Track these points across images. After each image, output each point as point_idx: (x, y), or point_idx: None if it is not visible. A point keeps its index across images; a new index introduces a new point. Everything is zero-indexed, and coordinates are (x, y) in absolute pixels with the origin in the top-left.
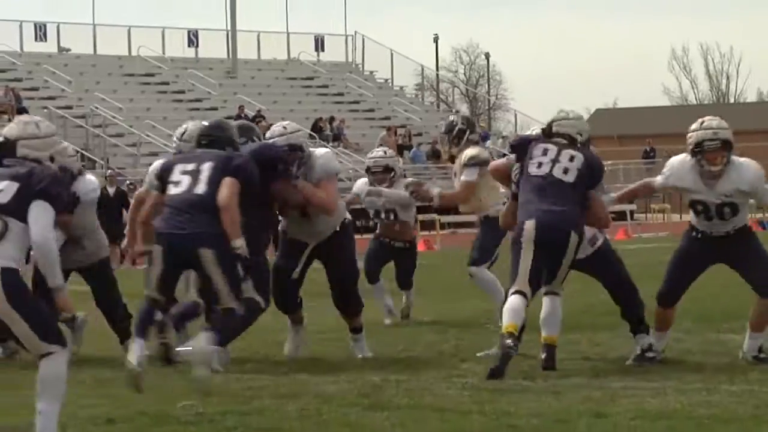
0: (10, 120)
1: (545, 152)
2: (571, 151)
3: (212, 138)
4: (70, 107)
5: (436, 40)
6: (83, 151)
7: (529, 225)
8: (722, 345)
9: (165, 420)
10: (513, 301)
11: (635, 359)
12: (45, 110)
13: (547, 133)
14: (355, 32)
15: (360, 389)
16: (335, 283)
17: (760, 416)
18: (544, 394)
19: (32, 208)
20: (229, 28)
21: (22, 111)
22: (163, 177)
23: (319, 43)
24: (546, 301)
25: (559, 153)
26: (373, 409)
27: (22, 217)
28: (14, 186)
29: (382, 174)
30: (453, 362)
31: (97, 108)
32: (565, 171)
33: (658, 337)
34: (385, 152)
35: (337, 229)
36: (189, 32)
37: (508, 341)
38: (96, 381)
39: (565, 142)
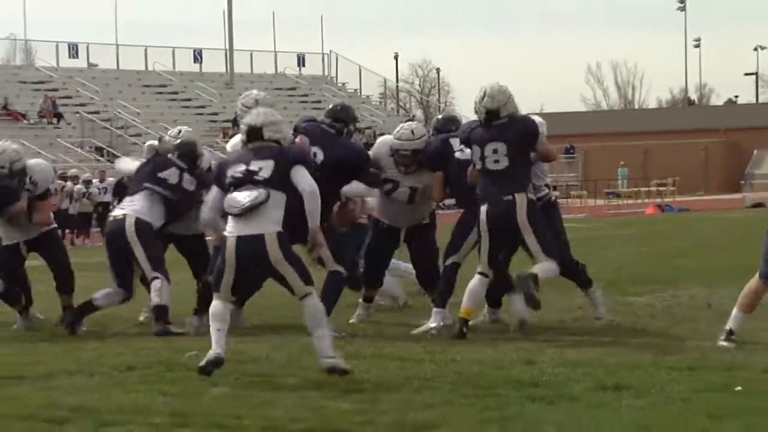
0: (50, 123)
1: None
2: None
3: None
4: (97, 112)
5: (396, 57)
6: (108, 148)
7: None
8: (628, 306)
9: (175, 367)
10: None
11: None
12: (77, 115)
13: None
14: (330, 51)
15: (335, 342)
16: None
17: (658, 363)
18: (484, 345)
19: (294, 173)
20: (227, 47)
21: (57, 115)
22: None
23: (301, 60)
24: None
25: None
26: (345, 358)
27: (280, 187)
28: (271, 163)
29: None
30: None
31: (119, 113)
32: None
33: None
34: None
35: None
36: (195, 51)
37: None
38: (120, 335)
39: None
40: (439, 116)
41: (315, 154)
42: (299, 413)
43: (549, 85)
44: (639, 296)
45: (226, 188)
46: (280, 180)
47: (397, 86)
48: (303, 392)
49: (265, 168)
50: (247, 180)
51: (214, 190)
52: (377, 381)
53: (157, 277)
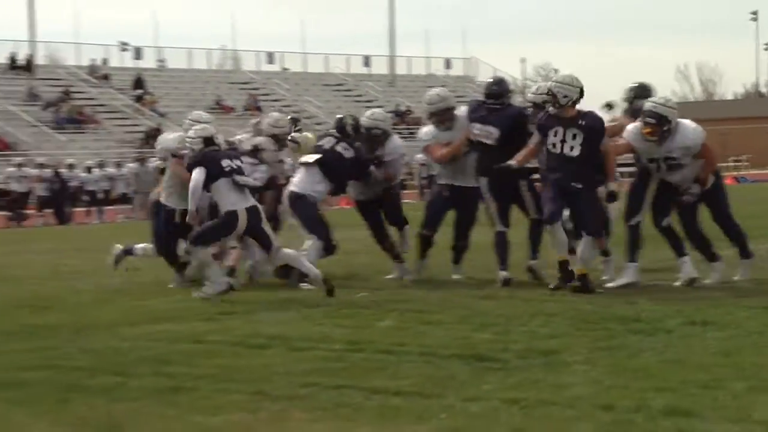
0: (251, 115)
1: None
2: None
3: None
4: (289, 106)
5: (523, 60)
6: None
7: None
8: None
9: (350, 305)
10: None
11: None
12: (272, 108)
13: None
14: (472, 56)
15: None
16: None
17: (737, 303)
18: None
19: None
20: (390, 53)
21: (258, 109)
22: None
23: (448, 64)
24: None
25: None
26: (484, 299)
27: None
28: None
29: (443, 114)
30: None
31: (306, 108)
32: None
33: None
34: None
35: None
36: (364, 57)
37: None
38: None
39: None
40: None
41: (491, 132)
42: (448, 341)
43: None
44: (721, 250)
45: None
46: None
47: (524, 84)
48: (451, 325)
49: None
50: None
51: None
52: (510, 316)
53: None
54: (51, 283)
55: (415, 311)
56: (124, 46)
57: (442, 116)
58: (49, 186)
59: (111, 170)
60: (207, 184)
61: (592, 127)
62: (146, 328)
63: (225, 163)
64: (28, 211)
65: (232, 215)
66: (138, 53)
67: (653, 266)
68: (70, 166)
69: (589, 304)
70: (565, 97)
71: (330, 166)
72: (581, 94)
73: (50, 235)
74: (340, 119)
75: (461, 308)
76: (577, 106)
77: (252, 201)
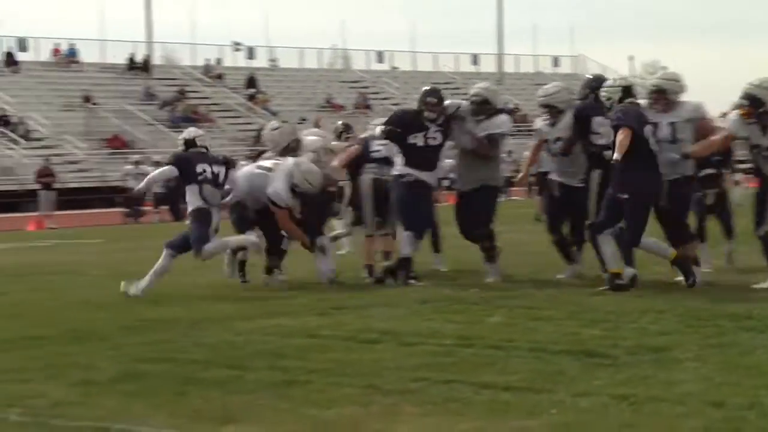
0: (362, 113)
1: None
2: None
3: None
4: (398, 104)
5: (630, 58)
6: None
7: None
8: None
9: (460, 300)
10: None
11: None
12: (381, 106)
13: None
14: (579, 54)
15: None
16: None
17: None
18: (703, 286)
19: None
20: (498, 52)
21: (368, 107)
22: None
23: (556, 61)
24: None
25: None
26: (593, 296)
27: None
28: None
29: (480, 106)
30: None
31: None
32: None
33: None
34: (487, 88)
35: None
36: (472, 55)
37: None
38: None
39: None
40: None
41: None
42: (558, 337)
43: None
44: None
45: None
46: None
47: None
48: (560, 321)
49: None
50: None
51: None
52: (620, 313)
53: None
54: (166, 279)
55: (524, 307)
56: (237, 46)
57: (552, 110)
58: (164, 183)
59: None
60: (183, 185)
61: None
62: (260, 322)
63: (200, 168)
64: (145, 208)
65: (203, 210)
66: (251, 53)
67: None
68: None
69: (699, 301)
70: (675, 93)
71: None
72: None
73: (165, 231)
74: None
75: (570, 304)
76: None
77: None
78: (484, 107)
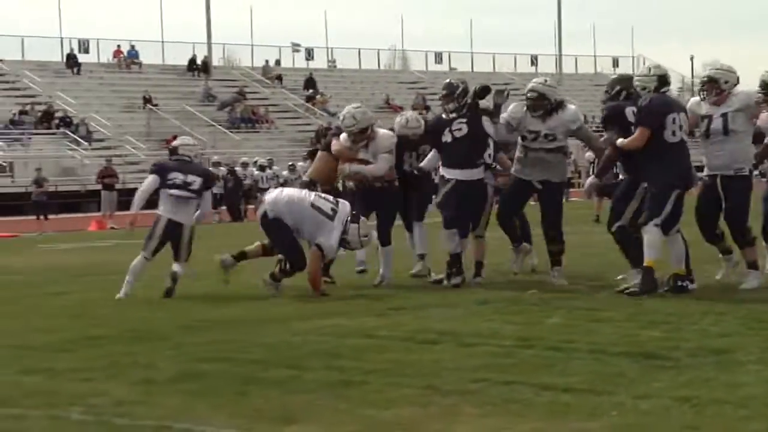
0: (421, 114)
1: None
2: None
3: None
4: None
5: (692, 58)
6: None
7: None
8: None
9: (519, 302)
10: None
11: None
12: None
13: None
14: (639, 54)
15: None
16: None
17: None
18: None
19: None
20: (557, 53)
21: (427, 108)
22: None
23: (615, 62)
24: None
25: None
26: (653, 298)
27: None
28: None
29: (536, 102)
30: None
31: None
32: None
33: None
34: (545, 81)
35: None
36: (531, 56)
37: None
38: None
39: None
40: None
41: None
42: (617, 339)
43: None
44: None
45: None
46: None
47: (692, 81)
48: (620, 323)
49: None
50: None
51: None
52: (680, 314)
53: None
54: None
55: (583, 309)
56: (296, 47)
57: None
58: (224, 184)
59: (277, 168)
60: (159, 190)
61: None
62: (317, 322)
63: (172, 175)
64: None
65: (157, 218)
66: (309, 54)
67: None
68: (244, 165)
69: (761, 304)
70: (726, 82)
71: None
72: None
73: (225, 231)
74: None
75: (630, 306)
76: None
77: (183, 219)
78: (541, 102)
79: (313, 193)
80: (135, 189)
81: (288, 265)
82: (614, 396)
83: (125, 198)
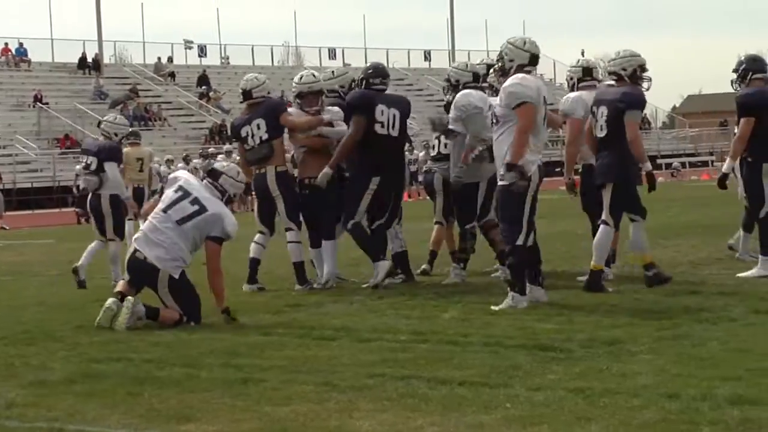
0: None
1: None
2: None
3: None
4: None
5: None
6: None
7: None
8: None
9: (415, 297)
10: None
11: None
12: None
13: None
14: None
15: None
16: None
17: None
18: None
19: None
20: (450, 48)
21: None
22: None
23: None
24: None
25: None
26: (547, 289)
27: None
28: None
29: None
30: None
31: None
32: None
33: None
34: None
35: None
36: (425, 51)
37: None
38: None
39: None
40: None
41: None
42: (513, 332)
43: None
44: None
45: None
46: None
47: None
48: (515, 315)
49: None
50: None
51: None
52: (573, 307)
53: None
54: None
55: (479, 302)
56: (188, 44)
57: None
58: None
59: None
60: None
61: None
62: (214, 320)
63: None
64: None
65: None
66: (202, 51)
67: (718, 255)
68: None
69: (652, 294)
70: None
71: None
72: None
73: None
74: None
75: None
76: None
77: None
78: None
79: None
80: (26, 189)
81: None
82: (509, 388)
83: (16, 198)
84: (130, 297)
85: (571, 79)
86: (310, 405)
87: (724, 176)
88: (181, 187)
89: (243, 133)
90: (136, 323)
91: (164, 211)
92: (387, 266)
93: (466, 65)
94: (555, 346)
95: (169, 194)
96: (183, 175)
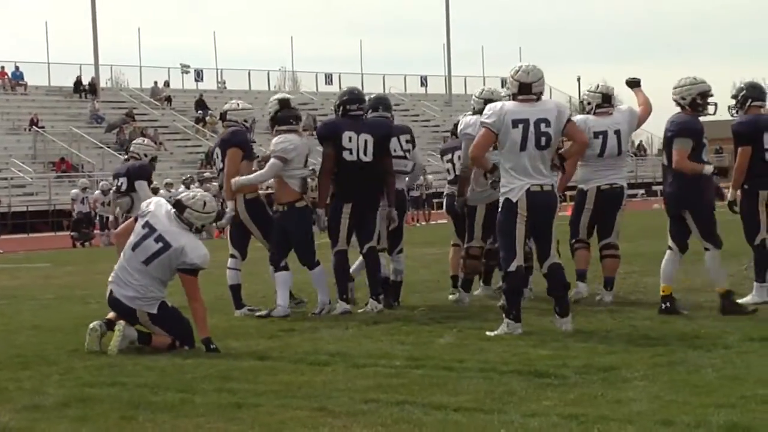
0: (311, 134)
1: None
2: None
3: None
4: None
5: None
6: None
7: None
8: None
9: (410, 322)
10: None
11: None
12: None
13: None
14: None
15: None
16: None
17: None
18: (652, 306)
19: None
20: (446, 74)
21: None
22: None
23: (504, 83)
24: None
25: None
26: (541, 315)
27: None
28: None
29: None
30: None
31: None
32: None
33: None
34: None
35: None
36: (421, 77)
37: None
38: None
39: None
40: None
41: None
42: (508, 357)
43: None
44: None
45: None
46: None
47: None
48: (510, 341)
49: None
50: None
51: None
52: (568, 333)
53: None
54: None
55: (474, 328)
56: (185, 69)
57: None
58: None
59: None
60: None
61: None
62: None
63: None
64: (93, 231)
65: None
66: (199, 75)
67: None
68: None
69: (647, 321)
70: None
71: None
72: None
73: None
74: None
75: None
76: None
77: None
78: None
79: None
80: (22, 212)
81: None
82: (504, 414)
83: (11, 222)
84: (121, 321)
85: (589, 104)
86: (304, 430)
87: (731, 203)
88: (147, 223)
89: (214, 156)
90: (128, 347)
91: (133, 249)
92: (345, 309)
93: (598, 86)
94: (550, 372)
95: (138, 229)
96: (152, 207)
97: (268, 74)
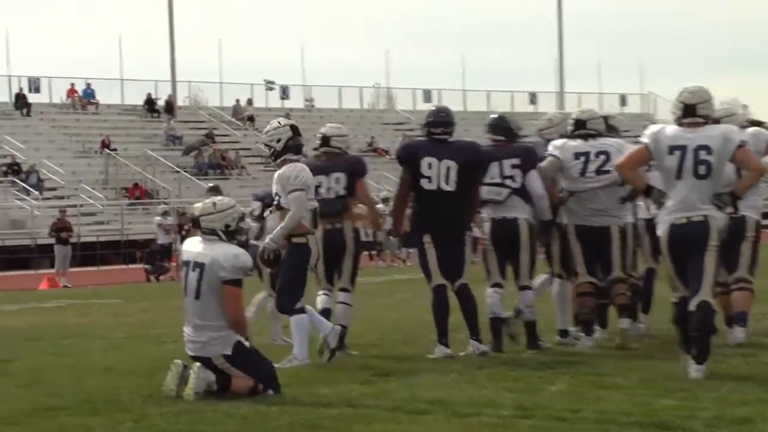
0: None
1: None
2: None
3: None
4: None
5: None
6: None
7: None
8: None
9: (518, 367)
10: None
11: None
12: None
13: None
14: (649, 92)
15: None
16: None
17: None
18: None
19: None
20: (558, 90)
21: None
22: None
23: (623, 100)
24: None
25: None
26: (670, 360)
27: None
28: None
29: None
30: None
31: None
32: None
33: None
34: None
35: None
36: (530, 94)
37: None
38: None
39: None
40: None
41: None
42: (629, 408)
43: None
44: None
45: None
46: None
47: None
48: (631, 389)
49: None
50: None
51: None
52: (697, 381)
53: None
54: None
55: (589, 374)
56: (269, 85)
57: None
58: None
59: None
60: None
61: None
62: (295, 390)
63: None
64: (169, 264)
65: None
66: (284, 92)
67: None
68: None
69: None
70: None
71: None
72: None
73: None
74: None
75: (642, 371)
76: None
77: None
78: None
79: None
80: (91, 242)
81: None
82: None
83: (81, 253)
84: (197, 363)
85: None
86: None
87: None
88: (182, 263)
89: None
90: (206, 390)
91: (185, 295)
92: (445, 353)
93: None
94: (676, 424)
95: (181, 275)
96: (184, 246)
97: (361, 91)
